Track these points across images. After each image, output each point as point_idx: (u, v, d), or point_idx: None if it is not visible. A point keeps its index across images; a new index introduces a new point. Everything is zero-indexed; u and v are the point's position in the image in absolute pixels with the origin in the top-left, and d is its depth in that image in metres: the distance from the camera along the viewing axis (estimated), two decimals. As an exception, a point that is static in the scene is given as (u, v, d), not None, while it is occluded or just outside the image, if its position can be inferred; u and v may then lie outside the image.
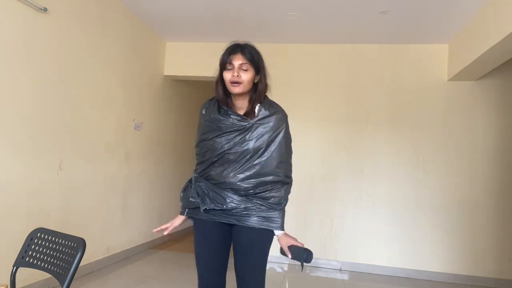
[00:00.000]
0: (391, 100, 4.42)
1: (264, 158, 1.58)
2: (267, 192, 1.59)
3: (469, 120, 4.25)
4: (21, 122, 2.72)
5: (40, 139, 2.89)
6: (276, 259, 4.40)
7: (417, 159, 4.31)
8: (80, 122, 3.35)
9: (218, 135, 1.60)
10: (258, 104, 1.62)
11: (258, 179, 1.57)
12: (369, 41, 4.43)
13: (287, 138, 1.67)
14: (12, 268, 1.52)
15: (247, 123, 1.58)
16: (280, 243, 1.61)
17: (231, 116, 1.60)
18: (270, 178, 1.58)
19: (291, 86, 4.57)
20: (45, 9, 2.83)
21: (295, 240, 1.59)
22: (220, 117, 1.60)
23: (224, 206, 1.57)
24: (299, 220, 4.45)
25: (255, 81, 1.61)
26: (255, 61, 1.59)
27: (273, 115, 1.61)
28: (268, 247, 1.63)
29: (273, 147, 1.59)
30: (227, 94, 1.62)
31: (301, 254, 1.54)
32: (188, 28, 4.45)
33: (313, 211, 4.45)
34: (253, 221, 1.57)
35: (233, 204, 1.56)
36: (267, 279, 1.68)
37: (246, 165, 1.57)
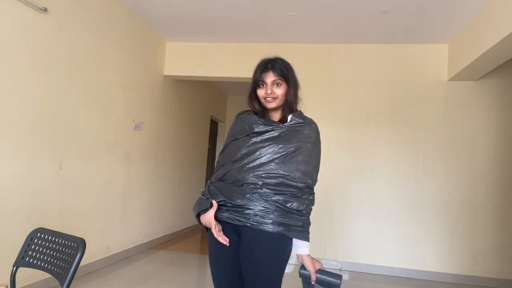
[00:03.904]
0: (391, 100, 4.42)
1: (291, 162, 1.52)
2: (286, 196, 1.48)
3: (469, 120, 4.25)
4: (21, 122, 2.72)
5: (40, 139, 2.90)
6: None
7: (417, 159, 4.31)
8: (80, 122, 3.35)
9: (249, 134, 1.59)
10: (291, 115, 1.63)
11: (279, 180, 1.49)
12: (369, 41, 4.43)
13: (317, 152, 1.65)
14: (12, 268, 1.52)
15: (279, 126, 1.59)
16: (303, 262, 1.53)
17: (265, 121, 1.62)
18: (292, 183, 1.50)
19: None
20: (45, 9, 2.83)
21: (321, 264, 1.53)
22: (255, 119, 1.63)
23: (236, 201, 1.46)
24: (299, 220, 4.44)
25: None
26: (286, 75, 1.62)
27: (306, 124, 1.62)
28: (283, 260, 1.51)
29: (302, 152, 1.56)
30: (263, 107, 1.64)
31: (335, 278, 1.45)
32: (188, 28, 4.45)
33: (313, 211, 4.44)
34: (268, 224, 1.45)
35: (245, 201, 1.46)
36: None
37: (270, 166, 1.51)
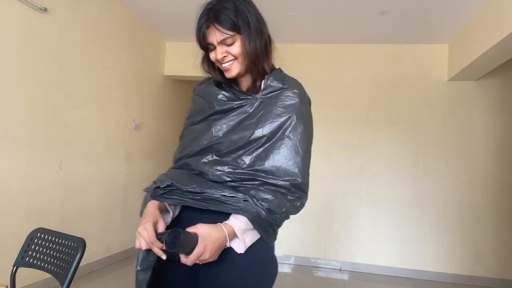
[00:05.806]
0: (391, 100, 4.42)
1: (267, 152, 1.08)
2: (260, 192, 1.05)
3: (469, 120, 4.25)
4: (21, 122, 2.72)
5: (40, 139, 2.90)
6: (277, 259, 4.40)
7: (417, 159, 4.31)
8: (80, 122, 3.35)
9: (209, 116, 1.16)
10: (265, 78, 1.15)
11: (251, 177, 1.07)
12: (369, 41, 4.43)
13: (307, 130, 1.12)
14: (12, 268, 1.52)
15: (249, 100, 1.13)
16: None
17: (230, 91, 1.17)
18: (270, 180, 1.07)
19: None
20: (45, 9, 2.83)
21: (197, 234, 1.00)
22: (215, 92, 1.19)
23: (207, 191, 1.05)
24: (299, 220, 4.44)
25: None
26: (238, 24, 1.09)
27: (288, 90, 1.12)
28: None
29: (284, 136, 1.09)
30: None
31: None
32: (188, 28, 4.43)
33: (313, 211, 4.44)
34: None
35: (218, 194, 1.04)
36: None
37: (239, 159, 1.09)
